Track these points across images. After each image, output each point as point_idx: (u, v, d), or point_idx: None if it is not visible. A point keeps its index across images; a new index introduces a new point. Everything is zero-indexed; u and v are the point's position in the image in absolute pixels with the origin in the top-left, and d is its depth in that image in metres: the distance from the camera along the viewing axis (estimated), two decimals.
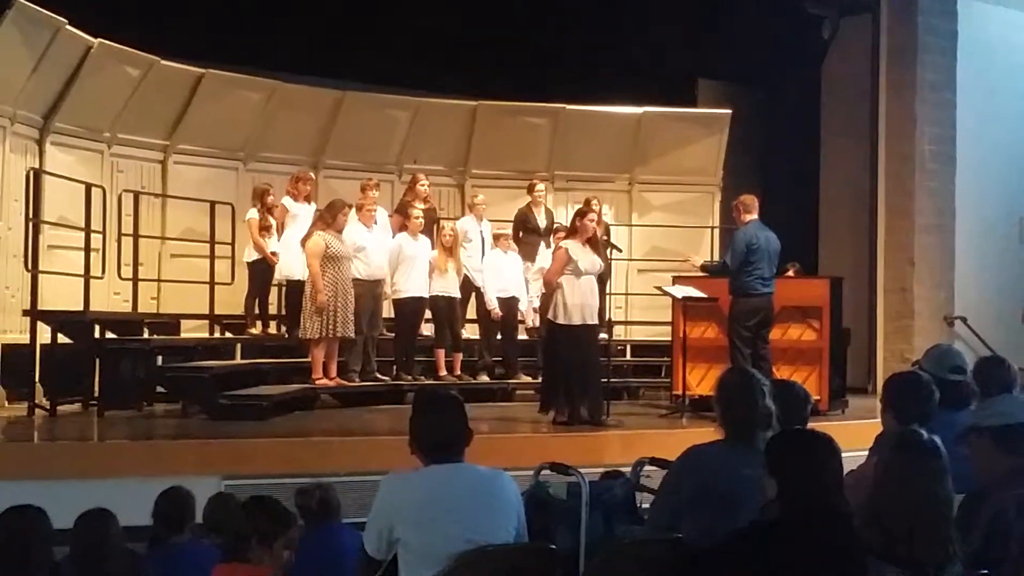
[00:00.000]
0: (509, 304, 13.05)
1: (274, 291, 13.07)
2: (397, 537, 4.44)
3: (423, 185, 13.29)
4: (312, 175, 13.48)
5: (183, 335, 12.65)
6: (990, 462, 4.56)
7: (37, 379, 10.66)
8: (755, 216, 11.44)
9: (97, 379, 10.94)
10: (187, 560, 5.73)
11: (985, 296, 14.84)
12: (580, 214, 10.85)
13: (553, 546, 4.83)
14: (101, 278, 11.56)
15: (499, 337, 13.23)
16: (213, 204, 13.05)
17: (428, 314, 12.82)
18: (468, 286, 13.11)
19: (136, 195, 12.43)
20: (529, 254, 13.37)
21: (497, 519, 4.53)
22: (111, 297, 12.28)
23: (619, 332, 14.52)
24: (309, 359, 11.68)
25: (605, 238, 12.13)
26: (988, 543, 4.09)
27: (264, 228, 12.59)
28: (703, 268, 11.90)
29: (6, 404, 11.03)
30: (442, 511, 4.43)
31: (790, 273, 13.63)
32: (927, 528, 3.91)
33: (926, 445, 4.06)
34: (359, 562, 4.70)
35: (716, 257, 14.78)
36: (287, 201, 12.63)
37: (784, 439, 4.27)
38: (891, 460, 4.10)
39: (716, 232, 15.47)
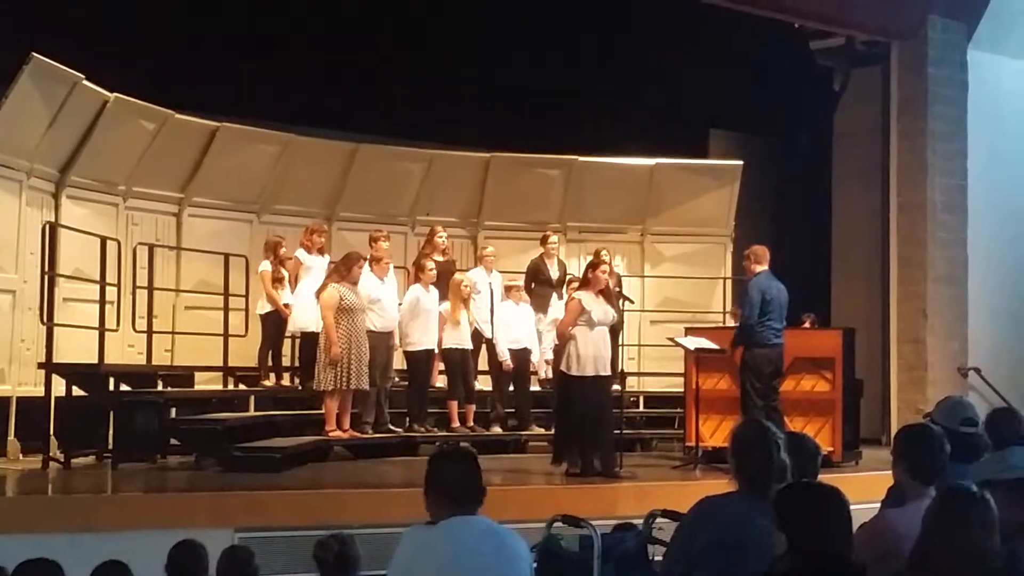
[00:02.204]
0: (521, 356, 13.06)
1: (287, 343, 13.11)
2: None
3: (441, 237, 13.34)
4: (325, 227, 13.55)
5: (197, 387, 12.69)
6: (1004, 514, 4.55)
7: (51, 432, 10.67)
8: (766, 267, 11.44)
9: (111, 431, 10.97)
10: None
11: (999, 347, 14.82)
12: (592, 266, 10.90)
13: None
14: (116, 331, 11.60)
15: (511, 389, 13.23)
16: (227, 256, 13.12)
17: (441, 365, 12.85)
18: (477, 338, 13.13)
19: (151, 248, 12.51)
20: (541, 306, 13.40)
21: (510, 573, 4.53)
22: (125, 349, 12.31)
23: (632, 383, 14.49)
24: (322, 411, 11.70)
25: (617, 289, 12.16)
26: None
27: (277, 280, 12.65)
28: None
29: (20, 457, 11.04)
30: (457, 565, 4.43)
31: (806, 324, 13.64)
32: None
33: (975, 498, 4.07)
34: None
35: (728, 306, 14.84)
36: (301, 253, 12.69)
37: (791, 493, 4.26)
38: (941, 512, 4.10)
39: (728, 283, 15.48)
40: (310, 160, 14.35)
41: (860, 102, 16.09)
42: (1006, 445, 5.40)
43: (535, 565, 4.71)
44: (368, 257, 12.14)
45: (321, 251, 12.86)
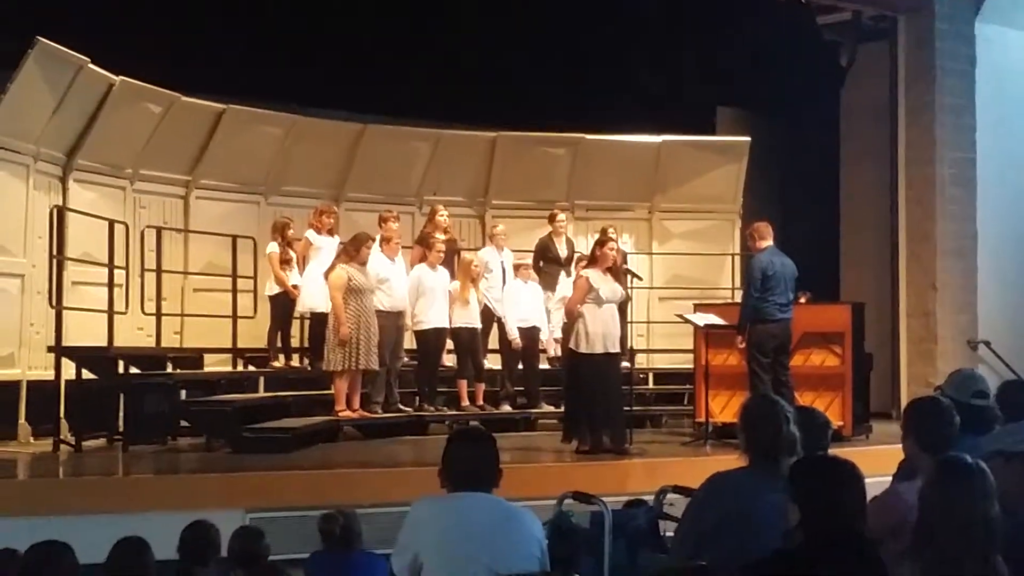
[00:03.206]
0: (530, 334, 13.05)
1: (296, 324, 13.11)
2: (422, 562, 4.46)
3: (443, 216, 13.30)
4: (335, 208, 13.51)
5: (206, 369, 12.69)
6: (1016, 486, 4.55)
7: (62, 415, 10.70)
8: (770, 242, 11.43)
9: (121, 414, 10.99)
10: None
11: (1009, 319, 14.79)
12: (600, 243, 10.89)
13: (577, 575, 4.84)
14: (124, 313, 11.60)
15: (521, 367, 13.23)
16: (235, 238, 13.13)
17: (450, 344, 12.85)
18: (489, 316, 13.12)
19: (159, 230, 12.52)
20: (550, 284, 13.37)
21: (520, 551, 4.55)
22: (135, 332, 12.32)
23: (641, 360, 14.49)
24: (332, 391, 11.72)
25: (624, 266, 12.15)
26: (1006, 561, 4.08)
27: (284, 261, 12.65)
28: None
29: (31, 440, 11.07)
30: (466, 538, 4.46)
31: (802, 301, 13.59)
32: (977, 550, 3.92)
33: (972, 468, 4.08)
34: None
35: (737, 283, 14.80)
36: (311, 234, 12.68)
37: (807, 465, 4.27)
38: (937, 484, 4.10)
39: (736, 259, 15.44)
40: (317, 141, 14.34)
41: (868, 77, 16.03)
42: (1018, 417, 5.41)
43: (546, 542, 4.71)
44: (378, 237, 12.16)
45: (331, 232, 12.83)
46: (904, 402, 12.56)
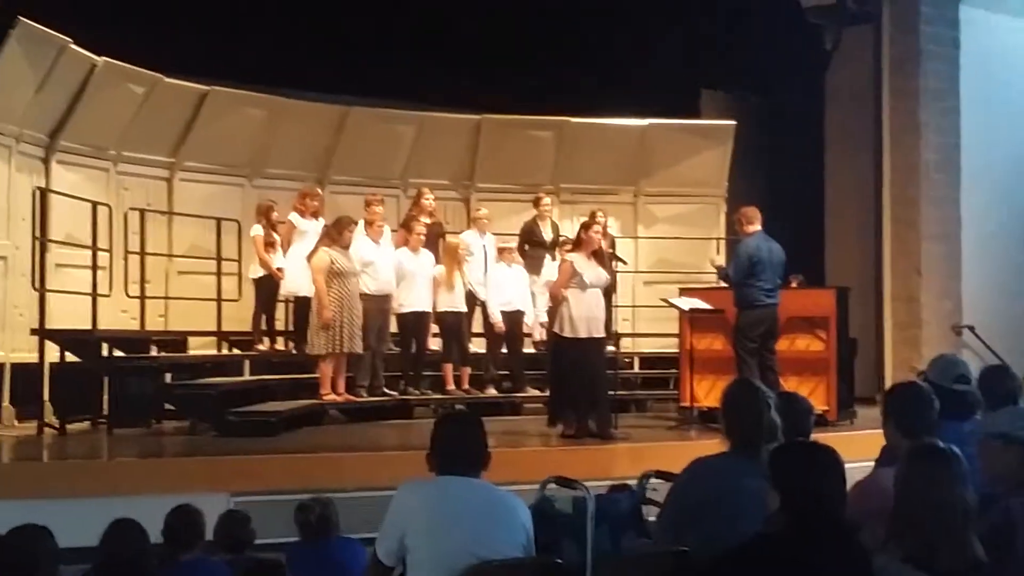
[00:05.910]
0: (514, 318, 13.05)
1: (281, 307, 13.09)
2: (408, 546, 4.46)
3: (428, 199, 13.28)
4: (319, 191, 13.47)
5: (191, 352, 12.68)
6: (1010, 471, 4.56)
7: (46, 398, 10.68)
8: (758, 227, 11.44)
9: (106, 397, 10.96)
10: None
11: (993, 304, 14.81)
12: (585, 227, 10.88)
13: (559, 560, 4.84)
14: (108, 296, 11.56)
15: (505, 351, 13.23)
16: (219, 221, 13.10)
17: (435, 328, 12.84)
18: (471, 300, 13.11)
19: (142, 212, 12.48)
20: (535, 267, 13.37)
21: (506, 536, 4.55)
22: (118, 315, 12.29)
23: (626, 344, 14.47)
24: (317, 375, 11.70)
25: (610, 251, 12.14)
26: (990, 546, 4.10)
27: (269, 244, 12.63)
28: (718, 268, 11.92)
29: (15, 423, 11.07)
30: (452, 523, 4.46)
31: (793, 285, 13.61)
32: (954, 534, 3.94)
33: (944, 453, 4.09)
34: (370, 567, 4.73)
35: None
36: (295, 217, 12.64)
37: (786, 451, 4.29)
38: (911, 470, 4.12)
39: (722, 243, 15.45)
40: (301, 123, 14.31)
41: (852, 61, 16.00)
42: (1000, 403, 5.42)
43: (532, 530, 4.71)
44: (362, 221, 12.14)
45: (315, 215, 12.78)
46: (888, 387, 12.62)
